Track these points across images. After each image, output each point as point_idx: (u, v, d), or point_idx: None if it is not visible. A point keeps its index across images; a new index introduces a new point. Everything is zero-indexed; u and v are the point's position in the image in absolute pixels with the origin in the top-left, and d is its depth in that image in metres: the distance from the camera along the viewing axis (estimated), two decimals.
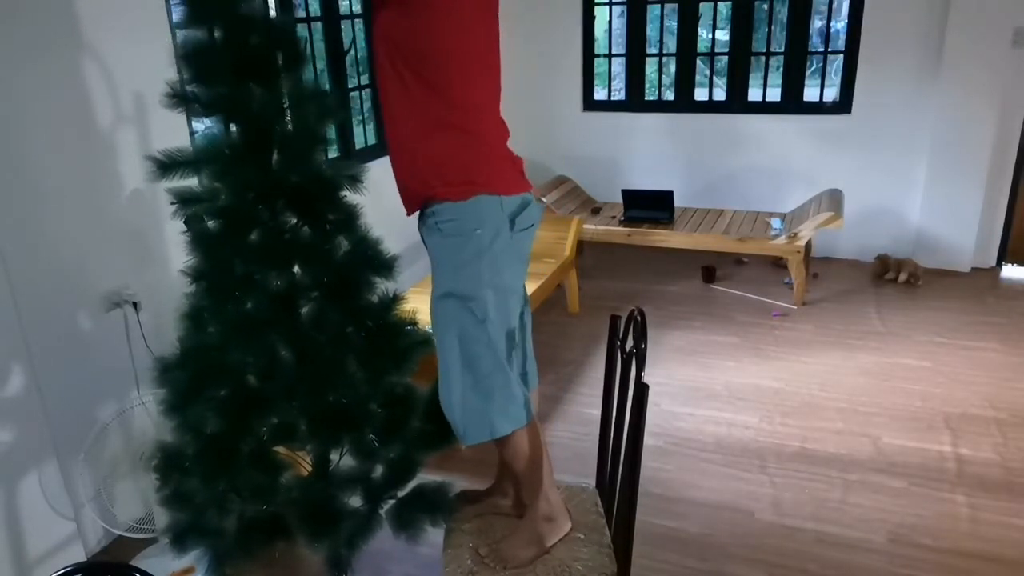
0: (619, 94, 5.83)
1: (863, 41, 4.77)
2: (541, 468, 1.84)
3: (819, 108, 5.12)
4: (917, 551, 2.48)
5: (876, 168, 4.94)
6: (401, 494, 2.00)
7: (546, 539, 1.85)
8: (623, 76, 5.69)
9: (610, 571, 1.79)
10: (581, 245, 4.52)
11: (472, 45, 1.65)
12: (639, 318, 1.70)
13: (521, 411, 1.77)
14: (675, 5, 5.27)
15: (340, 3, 3.93)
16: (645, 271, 5.05)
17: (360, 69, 4.15)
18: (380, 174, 1.96)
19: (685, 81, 5.34)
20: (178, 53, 1.60)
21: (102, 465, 2.44)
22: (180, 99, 1.60)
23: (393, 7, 1.58)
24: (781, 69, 5.20)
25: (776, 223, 4.60)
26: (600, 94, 5.70)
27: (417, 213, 1.77)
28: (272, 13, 3.23)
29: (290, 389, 1.75)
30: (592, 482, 2.15)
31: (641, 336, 1.69)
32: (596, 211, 5.09)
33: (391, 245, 1.87)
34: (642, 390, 1.59)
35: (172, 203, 1.67)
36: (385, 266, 1.80)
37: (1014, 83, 4.49)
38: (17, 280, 2.22)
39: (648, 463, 2.89)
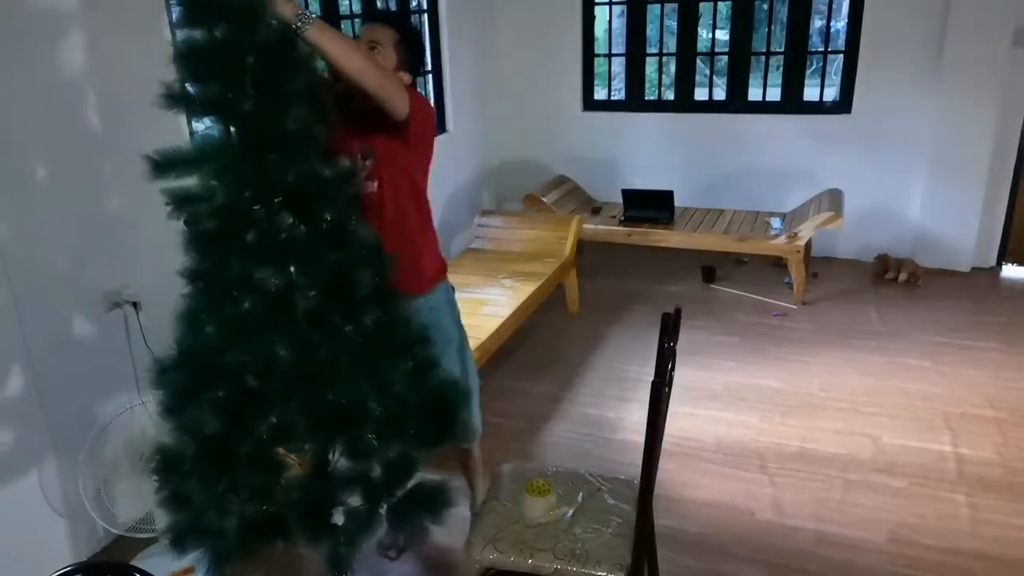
0: (619, 94, 5.83)
1: (863, 41, 4.76)
2: None
3: (819, 108, 5.12)
4: (917, 551, 2.48)
5: (876, 168, 4.94)
6: (401, 493, 2.00)
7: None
8: (623, 76, 5.69)
9: (624, 562, 1.81)
10: (581, 245, 4.52)
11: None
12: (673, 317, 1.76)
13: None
14: (675, 5, 5.26)
15: (340, 3, 3.93)
16: (645, 271, 5.05)
17: None
18: None
19: (685, 81, 5.33)
20: (173, 53, 1.60)
21: (102, 465, 2.44)
22: (175, 99, 1.60)
23: (404, 145, 2.09)
24: (781, 69, 5.20)
25: (776, 223, 4.60)
26: (600, 94, 5.70)
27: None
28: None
29: (288, 389, 1.74)
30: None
31: (672, 334, 1.72)
32: (596, 211, 5.09)
33: None
34: (655, 388, 1.60)
35: (167, 203, 1.67)
36: (383, 265, 1.80)
37: (1014, 83, 4.49)
38: (17, 280, 2.22)
39: None
